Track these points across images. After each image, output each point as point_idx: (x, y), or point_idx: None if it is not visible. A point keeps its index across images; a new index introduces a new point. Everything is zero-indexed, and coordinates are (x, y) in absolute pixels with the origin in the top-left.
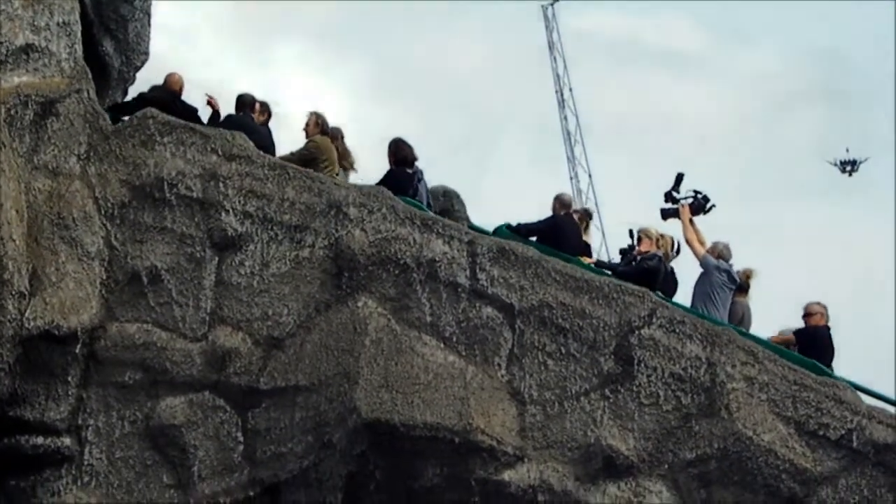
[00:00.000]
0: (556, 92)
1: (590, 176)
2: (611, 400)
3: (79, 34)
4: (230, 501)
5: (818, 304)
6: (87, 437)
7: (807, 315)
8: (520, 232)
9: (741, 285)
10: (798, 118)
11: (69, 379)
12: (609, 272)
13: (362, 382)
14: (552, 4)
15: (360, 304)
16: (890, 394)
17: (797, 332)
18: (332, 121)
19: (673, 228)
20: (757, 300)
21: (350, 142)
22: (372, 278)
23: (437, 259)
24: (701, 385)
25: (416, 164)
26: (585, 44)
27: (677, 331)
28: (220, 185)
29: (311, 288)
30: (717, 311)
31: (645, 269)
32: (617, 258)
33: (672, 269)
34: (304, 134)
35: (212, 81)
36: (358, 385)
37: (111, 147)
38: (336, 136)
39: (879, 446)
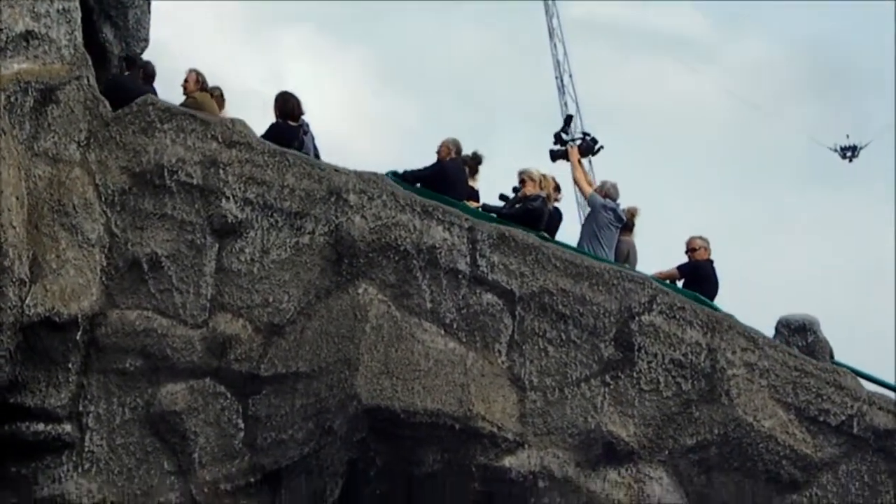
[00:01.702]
0: (556, 78)
1: (590, 162)
2: (611, 386)
3: (79, 21)
4: (231, 488)
5: (700, 238)
6: (88, 424)
7: (690, 250)
8: (406, 178)
9: (627, 224)
10: (799, 104)
11: (70, 366)
12: (495, 215)
13: (363, 369)
14: None
15: (360, 290)
16: (890, 380)
17: (681, 267)
18: (337, 109)
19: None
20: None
21: (350, 129)
22: (372, 265)
23: (437, 245)
24: (701, 371)
25: (303, 118)
26: (585, 30)
27: (677, 317)
28: (221, 171)
29: (312, 275)
30: (603, 249)
31: (529, 209)
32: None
33: (557, 209)
34: (182, 90)
35: (212, 67)
36: (358, 372)
37: (111, 134)
38: (213, 93)
39: (880, 432)
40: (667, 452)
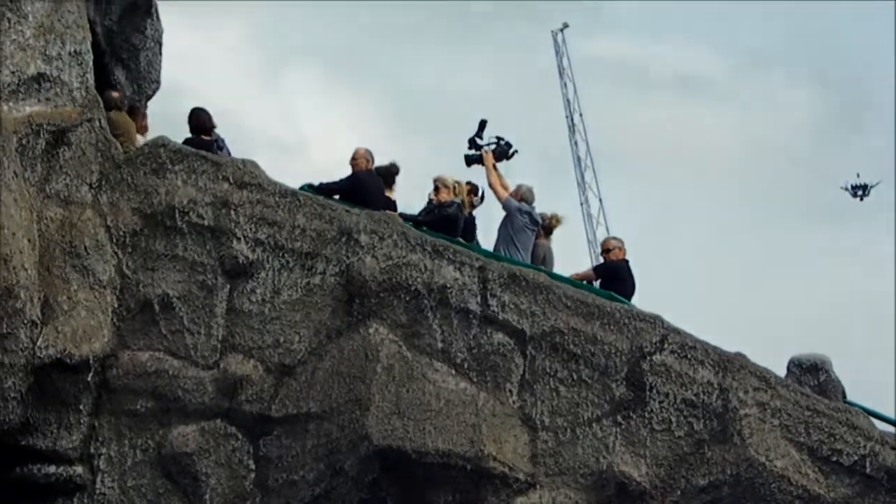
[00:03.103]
0: (567, 117)
1: (600, 201)
2: (623, 426)
3: (90, 63)
4: None
5: (615, 239)
6: (100, 466)
7: (605, 251)
8: (321, 190)
9: (545, 227)
10: (810, 142)
11: (81, 407)
12: (412, 223)
13: (374, 409)
14: (562, 30)
15: (371, 330)
16: None
17: (596, 268)
18: (350, 147)
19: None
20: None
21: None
22: (383, 305)
23: (448, 285)
24: (713, 411)
25: (216, 132)
26: (596, 69)
27: (689, 356)
28: (232, 212)
29: (323, 315)
30: (519, 252)
31: (444, 216)
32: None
33: (472, 216)
34: None
35: (224, 108)
36: (369, 412)
37: (123, 175)
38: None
39: (893, 472)
40: (679, 493)
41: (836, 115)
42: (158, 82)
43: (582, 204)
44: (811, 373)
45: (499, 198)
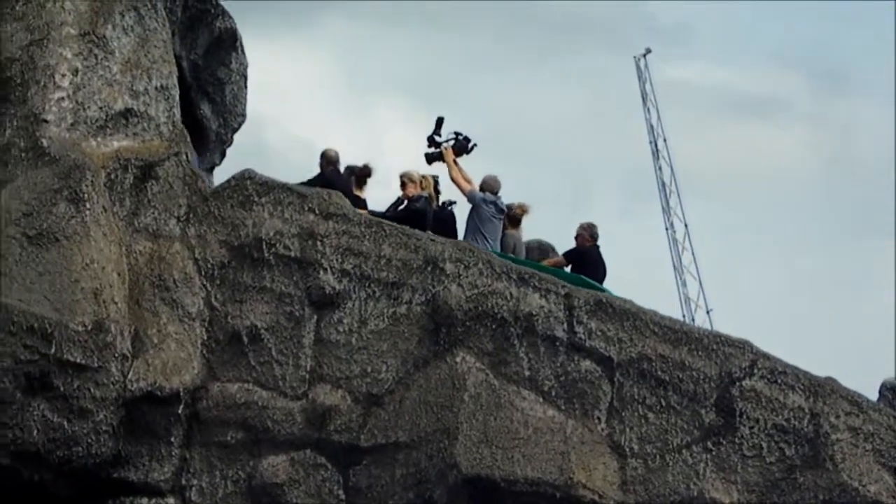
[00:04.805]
0: (650, 143)
1: (686, 226)
2: (713, 452)
3: (177, 98)
4: None
5: (582, 225)
6: (191, 498)
7: (576, 236)
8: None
9: (513, 218)
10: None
11: (172, 439)
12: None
13: (462, 438)
14: (645, 56)
15: (458, 359)
16: None
17: (566, 253)
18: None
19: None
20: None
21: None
22: (469, 333)
23: (534, 313)
24: (805, 436)
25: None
26: (678, 93)
27: (779, 381)
28: (318, 243)
29: (409, 344)
30: (487, 242)
31: (412, 210)
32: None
33: (447, 206)
34: None
35: (310, 138)
36: (458, 441)
37: (210, 208)
38: None
39: None
40: None
41: None
42: (244, 115)
43: (667, 229)
44: None
45: (463, 191)
